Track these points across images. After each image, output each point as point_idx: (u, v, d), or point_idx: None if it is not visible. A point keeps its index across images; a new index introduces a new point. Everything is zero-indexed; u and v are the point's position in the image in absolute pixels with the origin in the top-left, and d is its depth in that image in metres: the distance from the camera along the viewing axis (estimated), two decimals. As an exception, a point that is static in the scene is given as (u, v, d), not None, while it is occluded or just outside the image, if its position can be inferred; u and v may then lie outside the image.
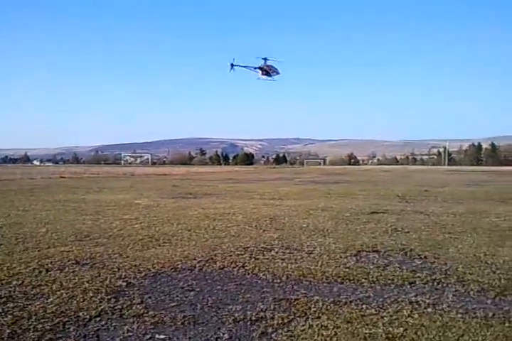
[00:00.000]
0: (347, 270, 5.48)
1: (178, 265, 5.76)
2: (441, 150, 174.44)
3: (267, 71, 28.72)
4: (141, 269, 5.52)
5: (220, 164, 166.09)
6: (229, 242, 7.20)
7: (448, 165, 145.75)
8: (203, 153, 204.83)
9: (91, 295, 4.47)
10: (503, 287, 4.76)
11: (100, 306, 4.16)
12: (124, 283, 4.91)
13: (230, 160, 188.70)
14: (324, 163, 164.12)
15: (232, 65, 26.22)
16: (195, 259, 6.04)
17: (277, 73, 29.36)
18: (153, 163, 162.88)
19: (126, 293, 4.60)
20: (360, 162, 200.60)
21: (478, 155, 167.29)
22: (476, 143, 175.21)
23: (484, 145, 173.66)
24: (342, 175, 47.22)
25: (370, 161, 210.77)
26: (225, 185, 24.68)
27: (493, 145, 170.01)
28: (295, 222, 9.59)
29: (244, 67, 27.49)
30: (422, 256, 6.27)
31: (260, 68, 28.42)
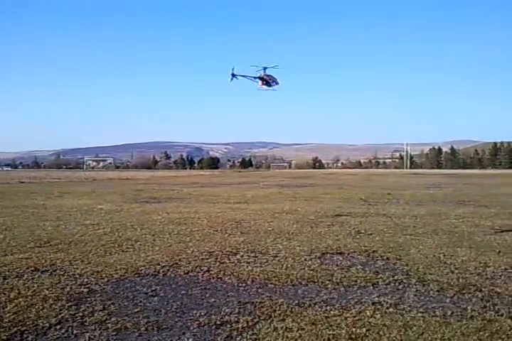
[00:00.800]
0: (311, 272, 5.54)
1: (141, 270, 5.68)
2: (403, 153, 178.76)
3: (267, 81, 27.61)
4: (104, 275, 5.41)
5: (185, 168, 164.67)
6: (194, 247, 7.15)
7: (410, 168, 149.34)
8: (167, 157, 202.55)
9: (51, 302, 4.35)
10: (461, 286, 4.91)
11: (60, 314, 4.06)
12: (86, 290, 4.80)
13: (196, 164, 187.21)
14: (290, 167, 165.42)
15: (233, 75, 24.93)
16: (159, 264, 5.97)
17: (277, 83, 28.34)
18: (117, 167, 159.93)
19: (88, 299, 4.50)
20: (325, 165, 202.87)
21: (438, 158, 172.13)
22: (436, 147, 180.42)
23: (444, 149, 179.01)
24: (307, 178, 47.67)
25: (335, 165, 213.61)
26: (190, 189, 24.51)
27: (452, 149, 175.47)
28: (260, 225, 9.62)
29: (245, 76, 26.29)
30: (385, 258, 6.39)
31: (260, 78, 27.10)
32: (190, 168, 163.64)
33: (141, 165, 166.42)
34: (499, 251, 6.79)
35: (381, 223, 10.02)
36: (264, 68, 26.26)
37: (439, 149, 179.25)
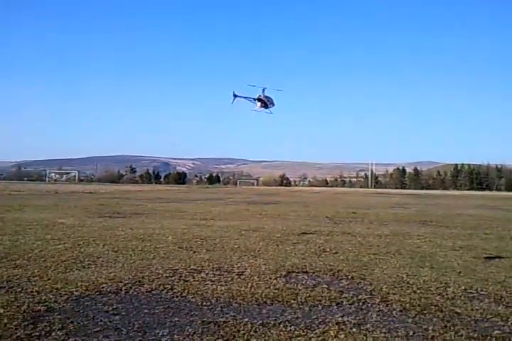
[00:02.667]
0: (276, 291, 5.51)
1: (103, 288, 5.53)
2: (368, 173, 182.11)
3: (265, 103, 26.53)
4: (63, 292, 5.23)
5: (151, 183, 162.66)
6: (158, 264, 7.03)
7: (374, 187, 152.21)
8: (133, 171, 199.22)
9: (5, 321, 4.16)
10: (423, 306, 4.98)
11: (16, 333, 3.88)
12: (44, 308, 4.62)
13: (162, 179, 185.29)
14: (257, 184, 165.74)
15: (235, 96, 23.98)
16: (121, 282, 5.82)
17: (273, 104, 27.22)
18: (80, 181, 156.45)
19: (46, 318, 4.33)
20: (292, 183, 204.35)
21: (402, 178, 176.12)
22: (400, 168, 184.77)
23: (408, 170, 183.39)
24: (274, 195, 47.85)
25: (302, 182, 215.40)
26: (155, 204, 24.17)
27: (416, 169, 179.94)
28: (226, 242, 9.55)
29: (246, 98, 25.13)
30: (349, 277, 6.44)
31: (259, 99, 26.01)
32: (156, 183, 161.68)
33: (106, 179, 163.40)
34: (460, 272, 6.94)
35: (346, 242, 10.12)
36: (263, 89, 25.48)
37: (403, 169, 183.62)
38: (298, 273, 6.67)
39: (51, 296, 5.06)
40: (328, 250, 8.83)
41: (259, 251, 8.54)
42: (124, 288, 5.53)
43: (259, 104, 24.30)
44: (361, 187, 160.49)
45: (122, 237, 10.03)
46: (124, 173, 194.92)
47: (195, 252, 8.28)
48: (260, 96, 23.91)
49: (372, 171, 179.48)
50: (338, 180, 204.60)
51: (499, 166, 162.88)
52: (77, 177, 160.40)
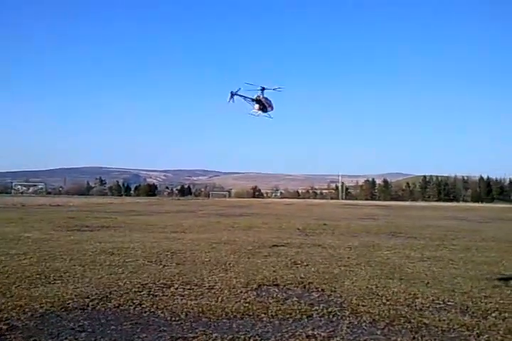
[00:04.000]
0: (247, 305, 5.48)
1: (69, 304, 5.38)
2: (339, 185, 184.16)
3: (264, 105, 22.84)
4: (27, 309, 5.07)
5: (121, 195, 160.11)
6: (126, 278, 6.89)
7: (345, 199, 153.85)
8: (102, 183, 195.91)
9: (-36, 342, 4.00)
10: (392, 317, 5.04)
11: (-26, 354, 3.73)
12: (6, 326, 4.47)
13: (132, 191, 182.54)
14: (229, 196, 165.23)
15: (233, 95, 19.99)
16: (88, 297, 5.69)
17: (272, 108, 23.63)
18: (48, 193, 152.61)
19: (8, 337, 4.19)
20: (264, 195, 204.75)
21: (372, 190, 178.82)
22: (370, 179, 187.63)
23: (378, 181, 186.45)
24: (246, 207, 47.78)
25: (274, 194, 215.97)
26: (124, 217, 23.78)
27: (385, 181, 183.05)
28: (197, 256, 9.46)
29: (245, 98, 21.51)
30: (320, 289, 6.46)
31: (257, 101, 22.10)
32: (126, 195, 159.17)
33: (75, 191, 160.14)
34: (427, 283, 7.06)
35: (317, 254, 10.17)
36: (262, 89, 21.93)
37: (373, 181, 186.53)
38: (269, 286, 6.65)
39: (14, 314, 4.90)
40: (299, 262, 8.84)
41: (230, 264, 8.49)
42: (90, 304, 5.40)
43: (256, 106, 20.57)
44: (332, 198, 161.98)
45: (90, 251, 9.82)
46: (93, 185, 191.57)
47: (164, 266, 8.17)
48: (259, 96, 20.43)
49: (342, 183, 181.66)
50: (310, 191, 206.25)
51: (465, 178, 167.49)
52: (44, 190, 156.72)
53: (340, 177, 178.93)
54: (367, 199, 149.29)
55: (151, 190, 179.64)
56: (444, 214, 38.58)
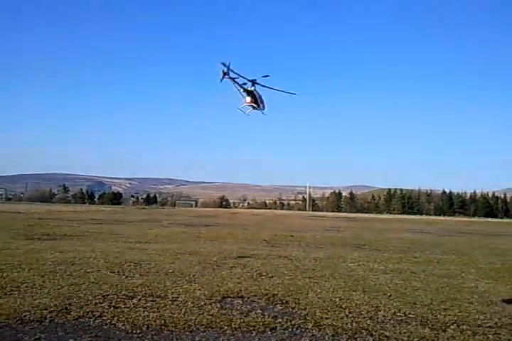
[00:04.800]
0: (210, 317, 5.42)
1: (25, 316, 5.20)
2: (306, 196, 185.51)
3: (256, 100, 17.67)
4: (-20, 323, 4.87)
5: (85, 203, 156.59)
6: (87, 289, 6.71)
7: (312, 210, 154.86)
8: (65, 190, 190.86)
9: None
10: (354, 330, 5.08)
11: None
12: (-45, 341, 4.27)
13: (96, 199, 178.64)
14: (196, 205, 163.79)
15: (225, 74, 14.94)
16: (46, 309, 5.51)
17: (264, 107, 18.26)
18: (8, 200, 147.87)
19: (-43, 352, 4.00)
20: (232, 205, 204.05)
21: (338, 202, 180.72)
22: (336, 191, 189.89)
23: (344, 193, 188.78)
24: (213, 217, 47.48)
25: (241, 204, 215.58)
26: (87, 225, 23.24)
27: (351, 193, 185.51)
28: (161, 267, 9.31)
29: (238, 84, 15.95)
30: (284, 301, 6.45)
31: (249, 92, 16.72)
32: (90, 203, 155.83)
33: (37, 198, 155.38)
34: (390, 295, 7.16)
35: (282, 265, 10.18)
36: (253, 81, 16.57)
37: (339, 193, 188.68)
38: (233, 298, 6.60)
39: (-35, 327, 4.70)
40: (264, 274, 8.83)
41: (194, 275, 8.39)
42: (48, 316, 5.23)
43: (248, 98, 16.10)
44: (299, 209, 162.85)
45: (50, 261, 9.53)
46: (56, 192, 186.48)
47: (127, 277, 8.00)
48: (252, 88, 15.89)
49: (309, 194, 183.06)
50: (277, 202, 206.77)
51: (429, 191, 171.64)
52: (4, 196, 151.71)
53: (308, 189, 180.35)
54: (333, 211, 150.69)
55: (116, 198, 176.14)
56: (408, 227, 39.35)
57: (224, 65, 14.97)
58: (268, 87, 16.84)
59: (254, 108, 17.41)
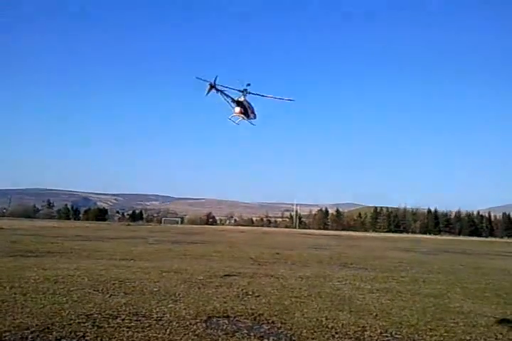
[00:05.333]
0: (195, 337, 5.36)
1: (6, 337, 5.09)
2: (293, 213, 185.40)
3: (246, 109, 17.46)
4: (-42, 344, 4.75)
5: (70, 219, 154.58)
6: (70, 308, 6.59)
7: (299, 228, 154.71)
8: (50, 205, 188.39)
9: None
10: (341, 351, 5.04)
11: None
12: None
13: (81, 215, 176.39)
14: (182, 222, 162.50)
15: (212, 87, 14.94)
16: (28, 329, 5.40)
17: (255, 116, 17.83)
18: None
19: None
20: (218, 222, 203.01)
21: (325, 219, 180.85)
22: (323, 209, 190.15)
23: (330, 211, 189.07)
24: (199, 234, 47.14)
25: (228, 221, 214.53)
26: (72, 242, 22.91)
27: (337, 211, 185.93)
28: (146, 285, 9.19)
29: (226, 94, 15.90)
30: (270, 321, 6.40)
31: (238, 103, 16.69)
32: (74, 219, 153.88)
33: (20, 214, 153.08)
34: (376, 315, 7.14)
35: (268, 284, 10.11)
36: (243, 91, 16.51)
37: (326, 211, 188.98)
38: (219, 317, 6.53)
39: None
40: (250, 293, 8.76)
41: (179, 294, 8.30)
42: (30, 337, 5.13)
43: (238, 109, 16.02)
44: (286, 227, 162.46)
45: (33, 279, 9.35)
46: (40, 208, 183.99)
47: (111, 295, 7.88)
48: (241, 99, 15.80)
49: (296, 211, 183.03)
50: (264, 219, 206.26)
51: (414, 210, 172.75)
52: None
53: (295, 206, 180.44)
54: (320, 229, 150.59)
55: (101, 215, 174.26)
56: (394, 246, 39.45)
57: (211, 85, 15.00)
58: (261, 95, 16.77)
59: (243, 118, 17.37)
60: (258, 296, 8.46)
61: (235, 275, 11.52)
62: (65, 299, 7.33)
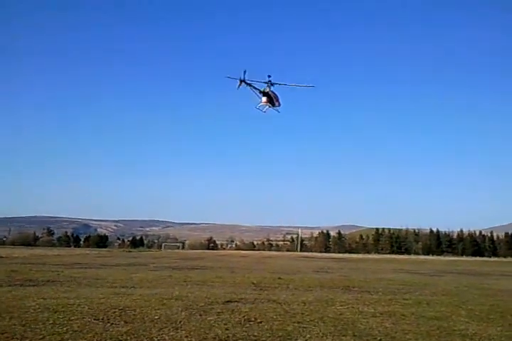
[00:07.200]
0: (197, 367, 5.28)
1: (5, 369, 5.01)
2: (295, 236, 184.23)
3: (272, 99, 19.61)
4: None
5: (70, 246, 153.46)
6: (70, 339, 6.54)
7: (300, 251, 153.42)
8: (50, 233, 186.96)
9: None
10: (345, 378, 4.97)
11: None
12: None
13: (82, 242, 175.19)
14: (183, 247, 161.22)
15: (243, 81, 17.09)
16: (27, 361, 5.32)
17: (279, 104, 20.21)
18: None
19: None
20: (219, 246, 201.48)
21: (327, 242, 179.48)
22: (325, 231, 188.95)
23: (332, 233, 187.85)
24: (200, 260, 46.75)
25: (229, 246, 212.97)
26: (72, 270, 22.71)
27: (339, 233, 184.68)
28: (147, 313, 9.10)
29: (253, 88, 18.30)
30: (273, 348, 6.32)
31: (265, 93, 20.41)
32: (75, 246, 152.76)
33: (20, 242, 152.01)
34: (380, 339, 7.06)
35: (271, 310, 10.00)
36: (271, 83, 19.72)
37: (328, 233, 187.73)
38: (221, 345, 6.45)
39: None
40: (252, 319, 8.66)
41: (181, 322, 8.21)
42: (29, 369, 5.05)
43: (264, 99, 17.96)
44: (288, 250, 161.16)
45: (33, 308, 9.27)
46: (40, 235, 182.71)
47: (112, 324, 7.80)
48: (266, 89, 17.99)
49: (298, 235, 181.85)
50: (265, 243, 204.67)
51: (416, 231, 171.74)
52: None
53: (299, 230, 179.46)
54: (322, 252, 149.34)
55: (102, 241, 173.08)
56: (397, 267, 39.08)
57: (241, 80, 17.61)
58: (283, 84, 19.61)
59: (270, 106, 20.01)
60: (260, 322, 8.37)
61: (236, 301, 11.40)
62: (65, 329, 7.26)
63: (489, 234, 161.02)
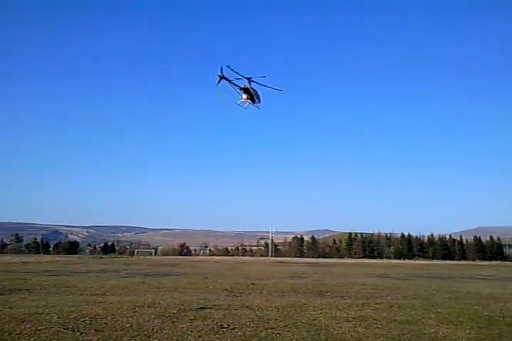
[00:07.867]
0: (169, 376, 5.21)
1: (-32, 383, 4.84)
2: (269, 241, 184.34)
3: (252, 95, 21.01)
4: None
5: (39, 253, 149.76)
6: (38, 349, 6.35)
7: (274, 256, 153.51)
8: (18, 239, 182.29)
9: None
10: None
11: None
12: None
13: (51, 249, 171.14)
14: (156, 253, 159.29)
15: (222, 78, 17.26)
16: (-8, 374, 5.15)
17: (260, 100, 21.54)
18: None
19: None
20: (193, 252, 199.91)
21: (300, 247, 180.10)
22: (298, 236, 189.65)
23: (306, 238, 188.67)
24: (173, 266, 46.27)
25: (202, 251, 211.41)
26: (40, 278, 22.16)
27: (313, 238, 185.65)
28: (118, 321, 8.94)
29: (234, 84, 18.59)
30: (246, 355, 6.29)
31: (245, 90, 20.61)
32: (44, 253, 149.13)
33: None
34: (352, 344, 7.10)
35: (244, 316, 9.97)
36: (249, 79, 19.89)
37: (301, 238, 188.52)
38: (193, 353, 6.38)
39: None
40: (226, 326, 8.62)
41: (153, 329, 8.10)
42: (-6, 382, 4.89)
43: (244, 96, 18.13)
44: (262, 255, 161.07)
45: (-2, 319, 8.99)
46: (7, 242, 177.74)
47: (82, 333, 7.64)
48: (246, 86, 18.24)
49: (272, 239, 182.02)
50: (239, 248, 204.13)
51: (388, 235, 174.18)
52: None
53: (270, 234, 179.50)
54: (296, 256, 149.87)
55: (72, 248, 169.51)
56: (369, 272, 39.49)
57: (220, 76, 17.95)
58: (260, 84, 20.05)
59: (250, 103, 20.33)
60: (233, 329, 8.32)
61: (209, 307, 11.32)
62: (32, 339, 7.07)
63: (459, 238, 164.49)
